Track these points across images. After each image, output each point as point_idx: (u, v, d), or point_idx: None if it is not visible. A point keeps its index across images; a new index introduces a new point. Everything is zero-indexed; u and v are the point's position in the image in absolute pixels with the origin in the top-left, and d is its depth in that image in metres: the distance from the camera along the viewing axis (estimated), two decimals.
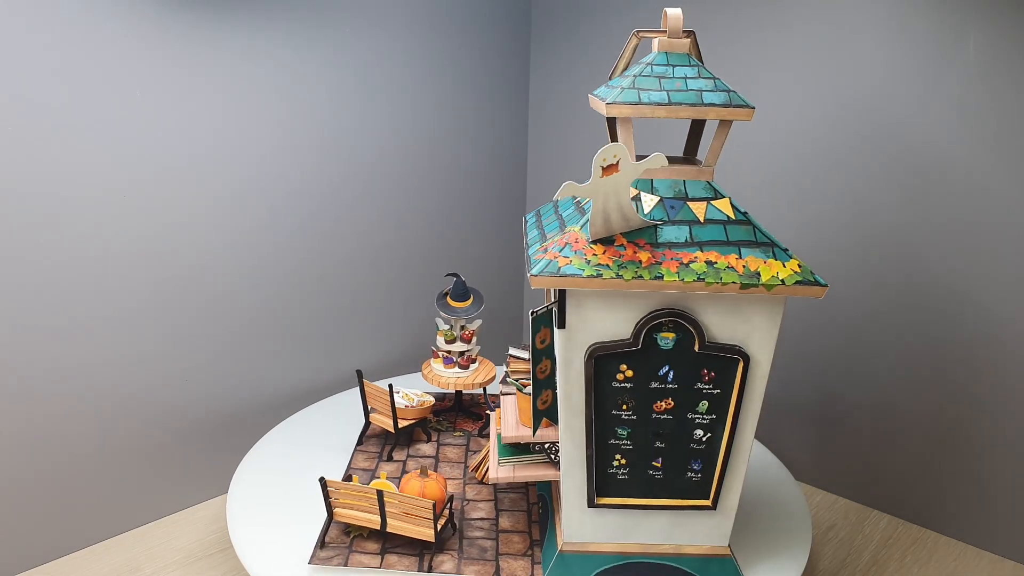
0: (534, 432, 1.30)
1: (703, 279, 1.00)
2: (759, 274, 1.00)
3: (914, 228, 1.54)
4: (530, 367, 1.23)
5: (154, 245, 1.48)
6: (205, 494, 1.67)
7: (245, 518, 1.31)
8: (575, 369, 1.10)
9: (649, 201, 1.06)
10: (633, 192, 1.07)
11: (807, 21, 1.60)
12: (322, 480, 1.24)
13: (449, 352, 1.62)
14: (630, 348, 1.07)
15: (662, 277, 1.00)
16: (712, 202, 1.06)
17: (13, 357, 1.35)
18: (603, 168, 0.96)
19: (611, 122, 1.17)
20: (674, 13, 1.07)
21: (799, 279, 1.00)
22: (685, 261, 1.01)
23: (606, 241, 1.04)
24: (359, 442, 1.55)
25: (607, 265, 1.01)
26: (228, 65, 1.50)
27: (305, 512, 1.33)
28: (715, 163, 1.06)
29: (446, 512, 1.27)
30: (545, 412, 1.47)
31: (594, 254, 1.03)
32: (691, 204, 1.05)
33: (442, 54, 1.87)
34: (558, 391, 1.13)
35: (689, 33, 1.08)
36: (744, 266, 1.01)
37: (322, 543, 1.25)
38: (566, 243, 1.05)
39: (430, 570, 1.21)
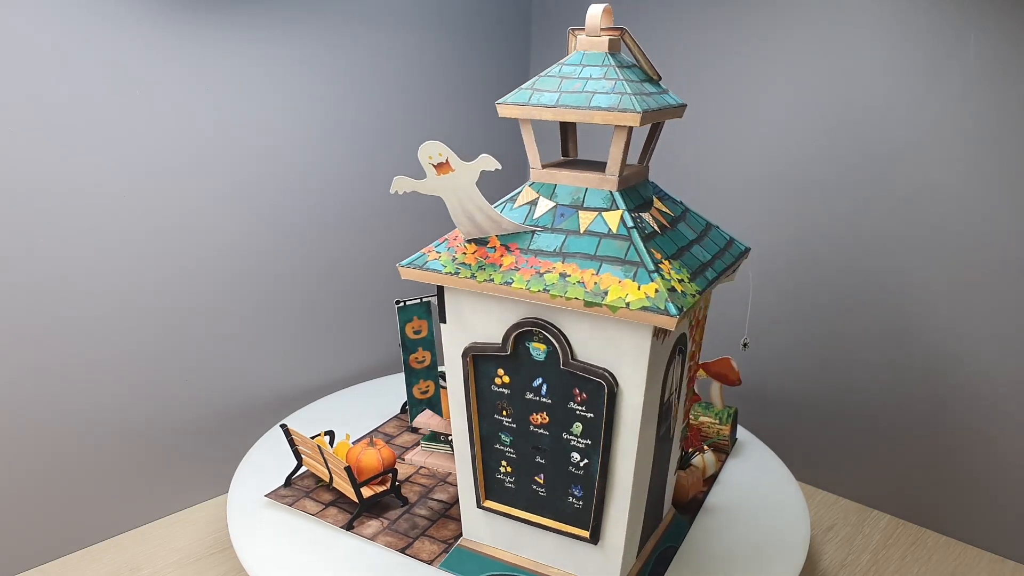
0: (411, 420, 1.42)
1: (548, 291, 0.95)
2: (606, 293, 0.93)
3: (913, 227, 1.54)
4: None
5: (154, 245, 1.48)
6: (205, 494, 1.67)
7: (245, 518, 1.31)
8: (456, 366, 1.09)
9: (542, 207, 1.03)
10: (533, 195, 1.05)
11: (807, 20, 1.60)
12: (283, 427, 1.34)
13: None
14: (500, 353, 1.04)
15: (511, 283, 0.97)
16: (603, 213, 1.00)
17: (13, 357, 1.35)
18: (434, 166, 0.95)
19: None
20: (593, 11, 1.02)
21: (645, 305, 0.90)
22: (542, 271, 0.97)
23: (480, 242, 1.03)
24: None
25: (468, 265, 1.01)
26: (229, 65, 1.50)
27: (305, 511, 1.34)
28: (618, 170, 0.99)
29: (386, 481, 1.34)
30: (426, 402, 1.50)
31: (463, 252, 1.02)
32: (582, 213, 1.00)
33: (442, 54, 1.87)
34: (447, 385, 1.13)
35: (618, 31, 1.02)
36: (596, 283, 0.94)
37: (287, 482, 1.40)
38: (446, 239, 1.05)
39: (349, 528, 1.28)
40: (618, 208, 0.99)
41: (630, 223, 0.97)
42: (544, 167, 1.05)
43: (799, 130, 1.65)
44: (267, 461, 1.49)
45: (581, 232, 0.99)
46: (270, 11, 1.54)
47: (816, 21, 1.59)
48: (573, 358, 1.00)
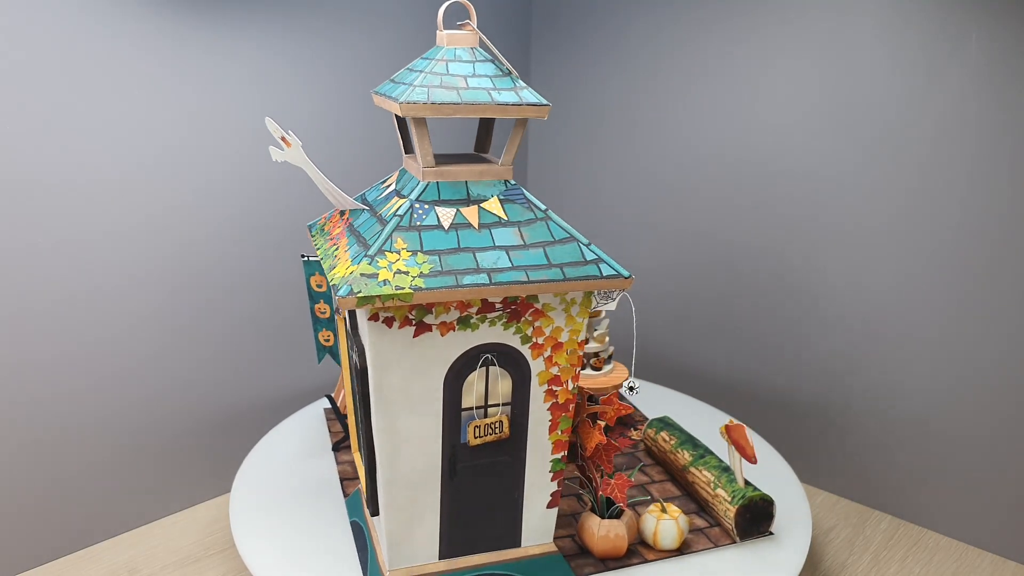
0: (319, 360, 1.46)
1: (322, 261, 1.03)
2: (333, 268, 1.01)
3: (913, 227, 1.54)
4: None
5: (154, 244, 1.48)
6: (205, 494, 1.67)
7: (247, 517, 1.31)
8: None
9: (383, 188, 1.08)
10: (393, 178, 1.12)
11: (807, 19, 1.60)
12: (328, 396, 1.43)
13: (595, 355, 1.58)
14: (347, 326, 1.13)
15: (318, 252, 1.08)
16: (400, 198, 1.04)
17: (13, 358, 1.35)
18: (281, 139, 1.05)
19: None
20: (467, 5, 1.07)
21: (335, 283, 0.95)
22: (334, 246, 1.04)
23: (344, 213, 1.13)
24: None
25: (336, 247, 1.07)
26: (230, 65, 1.50)
27: (307, 511, 1.34)
28: (426, 162, 1.03)
29: None
30: (328, 349, 1.54)
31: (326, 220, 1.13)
32: (396, 198, 1.05)
33: None
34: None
35: (464, 25, 1.07)
36: (337, 259, 1.00)
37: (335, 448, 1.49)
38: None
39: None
40: (404, 196, 1.04)
41: (403, 211, 1.01)
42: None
43: (799, 130, 1.65)
44: (270, 460, 1.49)
45: (379, 213, 1.05)
46: (270, 8, 1.54)
47: (816, 20, 1.59)
48: (353, 329, 1.08)
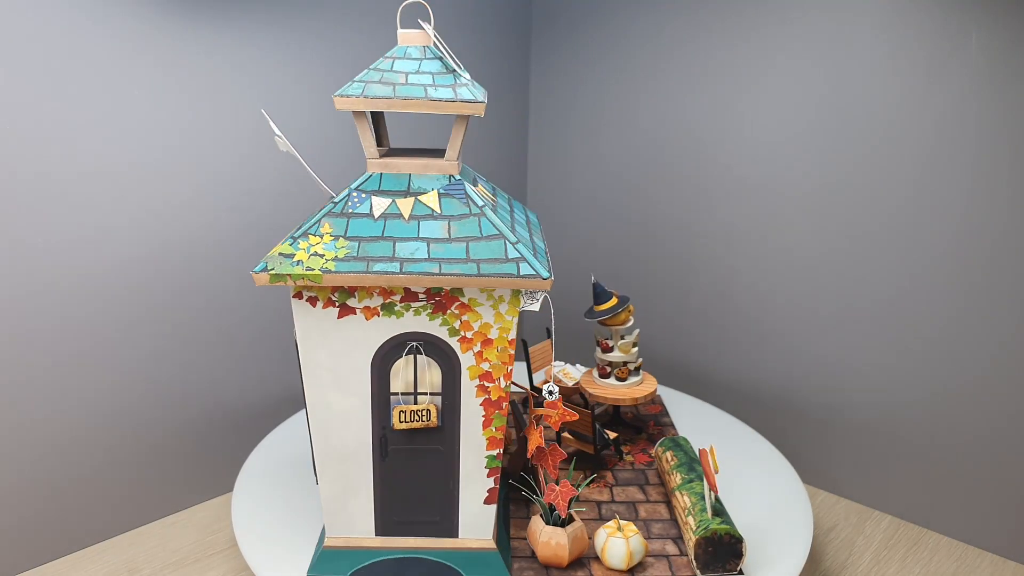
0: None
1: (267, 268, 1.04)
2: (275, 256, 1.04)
3: (914, 227, 1.54)
4: None
5: (153, 244, 1.48)
6: (205, 494, 1.67)
7: (250, 517, 1.32)
8: None
9: (355, 183, 1.11)
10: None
11: (807, 19, 1.60)
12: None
13: (620, 364, 1.55)
14: None
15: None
16: (351, 187, 1.10)
17: (13, 358, 1.35)
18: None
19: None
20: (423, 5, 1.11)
21: (264, 263, 1.03)
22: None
23: None
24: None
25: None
26: (228, 66, 1.50)
27: (310, 511, 1.33)
28: (370, 154, 1.10)
29: None
30: None
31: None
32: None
33: None
34: None
35: (420, 28, 1.12)
36: (288, 243, 1.05)
37: None
38: None
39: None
40: (350, 187, 1.10)
41: (339, 198, 1.08)
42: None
43: (799, 129, 1.65)
44: (272, 460, 1.49)
45: (333, 201, 1.10)
46: (270, 8, 1.54)
47: (816, 20, 1.59)
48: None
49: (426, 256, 1.05)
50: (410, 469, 1.16)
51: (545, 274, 1.03)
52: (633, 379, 1.55)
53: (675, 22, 1.80)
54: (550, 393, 1.16)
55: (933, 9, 1.44)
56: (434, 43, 1.12)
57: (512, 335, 1.09)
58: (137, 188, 1.44)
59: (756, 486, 1.45)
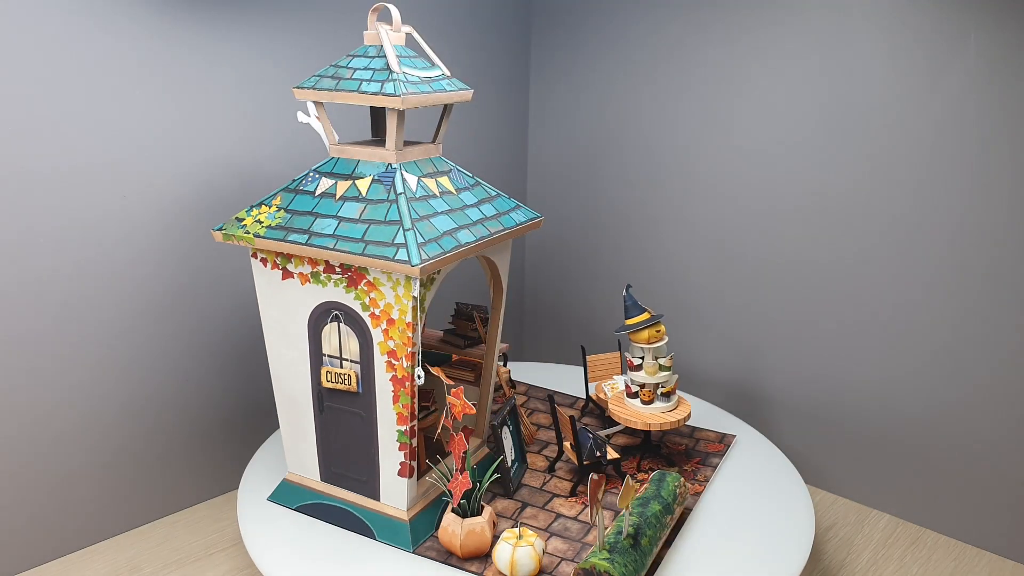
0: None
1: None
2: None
3: (916, 224, 1.54)
4: None
5: (154, 243, 1.48)
6: (205, 494, 1.67)
7: (256, 515, 1.32)
8: None
9: (304, 172, 1.27)
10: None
11: (807, 20, 1.60)
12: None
13: (642, 385, 1.43)
14: None
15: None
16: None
17: (14, 358, 1.35)
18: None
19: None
20: (393, 9, 1.24)
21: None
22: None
23: None
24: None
25: None
26: (236, 64, 1.50)
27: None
28: (330, 141, 1.25)
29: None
30: None
31: None
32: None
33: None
34: None
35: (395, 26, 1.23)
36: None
37: None
38: None
39: None
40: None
41: (299, 176, 1.26)
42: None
43: (799, 130, 1.66)
44: (276, 459, 1.49)
45: (293, 179, 1.29)
46: (269, 8, 1.54)
47: (816, 21, 1.59)
48: None
49: (331, 233, 1.17)
50: (341, 427, 1.28)
51: (414, 261, 1.09)
52: (660, 404, 1.43)
53: (674, 23, 1.80)
54: (418, 377, 1.18)
55: (931, 12, 1.45)
56: (403, 41, 1.25)
57: (408, 318, 1.14)
58: (139, 187, 1.45)
59: (759, 485, 1.44)
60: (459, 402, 1.20)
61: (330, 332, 1.23)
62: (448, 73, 1.29)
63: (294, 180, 1.25)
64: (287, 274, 1.23)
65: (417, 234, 1.13)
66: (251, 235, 1.20)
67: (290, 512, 1.33)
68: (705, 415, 1.70)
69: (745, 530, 1.30)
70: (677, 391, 1.49)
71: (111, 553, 1.51)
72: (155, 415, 1.56)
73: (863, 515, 1.66)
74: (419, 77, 1.21)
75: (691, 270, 1.90)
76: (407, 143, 1.27)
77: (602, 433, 1.58)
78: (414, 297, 1.13)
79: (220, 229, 1.23)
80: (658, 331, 1.42)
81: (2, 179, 1.30)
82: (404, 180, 1.20)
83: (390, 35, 1.22)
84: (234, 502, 1.67)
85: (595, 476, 1.12)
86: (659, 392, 1.43)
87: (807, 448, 1.78)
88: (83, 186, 1.39)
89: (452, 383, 1.29)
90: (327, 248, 1.14)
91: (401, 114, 1.17)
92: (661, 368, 1.42)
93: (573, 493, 1.39)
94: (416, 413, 1.22)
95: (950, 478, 1.57)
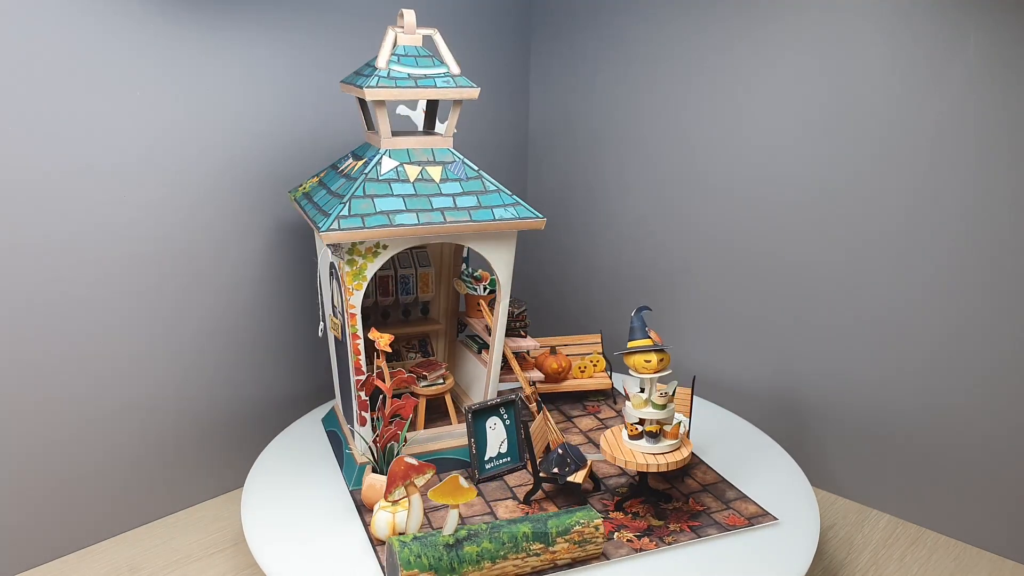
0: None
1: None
2: None
3: (913, 227, 1.54)
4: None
5: (160, 242, 1.48)
6: (205, 494, 1.67)
7: (259, 515, 1.32)
8: None
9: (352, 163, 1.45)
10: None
11: (807, 20, 1.60)
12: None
13: (641, 422, 1.29)
14: None
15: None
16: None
17: (14, 358, 1.35)
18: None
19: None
20: (409, 12, 1.36)
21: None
22: None
23: None
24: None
25: None
26: (223, 63, 1.51)
27: (317, 510, 1.34)
28: (381, 133, 1.37)
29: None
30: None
31: None
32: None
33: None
34: None
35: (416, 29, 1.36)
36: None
37: None
38: None
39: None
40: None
41: (345, 156, 1.49)
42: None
43: (799, 130, 1.66)
44: (279, 459, 1.49)
45: (338, 169, 1.48)
46: (269, 9, 1.54)
47: (816, 21, 1.59)
48: None
49: (315, 201, 1.39)
50: (341, 369, 1.47)
51: (322, 228, 1.25)
52: (650, 443, 1.28)
53: (674, 23, 1.80)
54: (320, 331, 1.32)
55: (931, 12, 1.45)
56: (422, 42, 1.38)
57: (349, 285, 1.32)
58: (141, 187, 1.45)
59: (761, 484, 1.44)
60: (379, 336, 1.37)
61: (332, 286, 1.42)
62: (455, 72, 1.36)
63: (335, 164, 1.50)
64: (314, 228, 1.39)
65: (346, 207, 1.27)
66: (293, 196, 1.51)
67: (290, 512, 1.34)
68: (705, 415, 1.70)
69: (747, 530, 1.30)
70: (680, 436, 1.31)
71: (111, 553, 1.50)
72: (155, 415, 1.56)
73: (863, 515, 1.66)
74: (407, 74, 1.33)
75: (690, 269, 1.90)
76: (422, 133, 1.45)
77: (590, 456, 1.46)
78: (341, 261, 1.30)
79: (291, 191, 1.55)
80: (648, 362, 1.28)
81: (2, 179, 1.30)
82: (380, 163, 1.33)
83: (398, 36, 1.35)
84: (234, 502, 1.67)
85: (406, 459, 1.18)
86: (644, 430, 1.28)
87: (807, 448, 1.78)
88: (83, 186, 1.39)
89: (388, 349, 1.38)
90: (303, 210, 1.40)
91: (381, 104, 1.31)
92: (653, 404, 1.28)
93: (527, 500, 1.35)
94: (363, 368, 1.37)
95: (950, 478, 1.57)
